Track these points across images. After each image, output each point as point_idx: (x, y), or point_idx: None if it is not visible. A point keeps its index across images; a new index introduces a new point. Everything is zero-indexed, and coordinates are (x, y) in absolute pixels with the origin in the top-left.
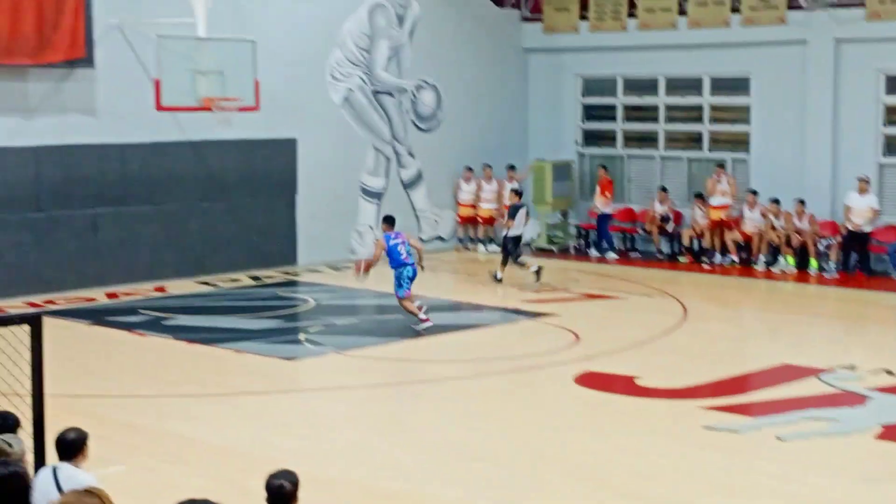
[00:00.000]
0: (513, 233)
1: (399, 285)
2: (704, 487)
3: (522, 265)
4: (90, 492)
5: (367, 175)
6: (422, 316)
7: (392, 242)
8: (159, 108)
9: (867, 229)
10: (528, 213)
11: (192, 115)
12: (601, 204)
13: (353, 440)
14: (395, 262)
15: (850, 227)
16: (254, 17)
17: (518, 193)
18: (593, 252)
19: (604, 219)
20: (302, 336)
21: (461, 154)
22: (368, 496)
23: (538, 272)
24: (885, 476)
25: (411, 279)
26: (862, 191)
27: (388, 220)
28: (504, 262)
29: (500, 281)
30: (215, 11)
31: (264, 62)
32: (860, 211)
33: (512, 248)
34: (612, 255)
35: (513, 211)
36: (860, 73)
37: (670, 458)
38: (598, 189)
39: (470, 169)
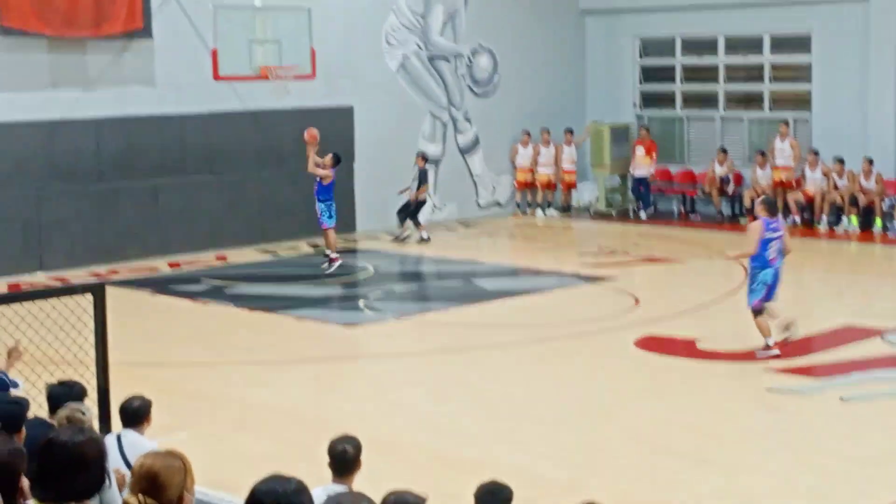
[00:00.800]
0: (423, 197)
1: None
2: (768, 449)
3: (417, 225)
4: (172, 453)
5: (424, 141)
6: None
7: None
8: (217, 77)
9: None
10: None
11: (249, 84)
12: (641, 166)
13: (416, 405)
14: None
15: None
16: None
17: (425, 158)
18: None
19: (641, 181)
20: (362, 302)
21: (518, 118)
22: (433, 460)
23: (424, 240)
24: None
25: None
26: None
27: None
28: (405, 221)
29: (403, 240)
30: None
31: (320, 30)
32: None
33: (413, 211)
34: (643, 215)
35: (423, 175)
36: None
37: (733, 421)
38: (636, 151)
39: (527, 133)
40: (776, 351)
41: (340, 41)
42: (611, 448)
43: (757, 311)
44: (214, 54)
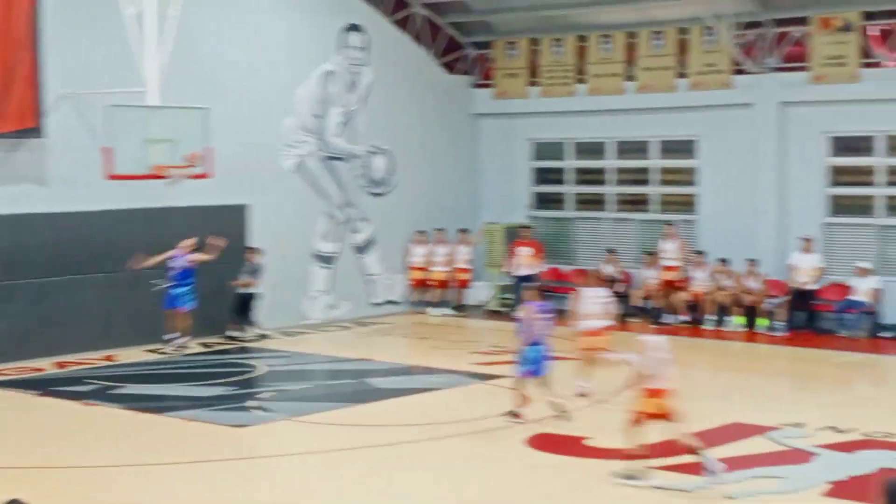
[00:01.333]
0: (252, 290)
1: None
2: None
3: (251, 325)
4: None
5: (319, 240)
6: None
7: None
8: (109, 176)
9: (812, 287)
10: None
11: (143, 182)
12: (525, 266)
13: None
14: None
15: (796, 286)
16: (207, 85)
17: (254, 250)
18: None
19: (526, 280)
20: (253, 403)
21: (413, 218)
22: None
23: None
24: None
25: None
26: (806, 250)
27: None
28: (240, 321)
29: (234, 339)
30: (168, 80)
31: (217, 129)
32: (805, 270)
33: (245, 308)
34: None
35: (255, 269)
36: (805, 135)
37: None
38: (517, 251)
39: (422, 232)
40: (521, 420)
41: (237, 140)
42: None
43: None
44: (107, 152)
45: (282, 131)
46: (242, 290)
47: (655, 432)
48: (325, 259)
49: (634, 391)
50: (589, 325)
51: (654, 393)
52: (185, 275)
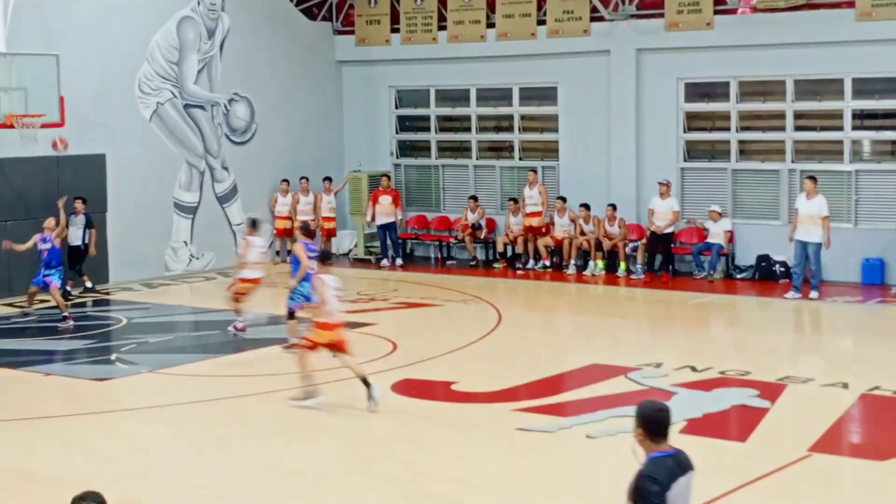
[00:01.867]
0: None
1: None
2: (519, 489)
3: (81, 274)
4: None
5: (180, 190)
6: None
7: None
8: None
9: (669, 231)
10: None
11: None
12: (386, 214)
13: (168, 461)
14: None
15: (653, 230)
16: (58, 31)
17: (84, 201)
18: (384, 262)
19: (388, 227)
20: (114, 356)
21: (277, 167)
22: None
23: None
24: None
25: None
26: (663, 194)
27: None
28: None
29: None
30: (17, 26)
31: (70, 77)
32: (662, 213)
33: (78, 259)
34: (399, 261)
35: (89, 219)
36: (661, 82)
37: (486, 462)
38: (379, 200)
39: (286, 181)
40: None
41: (92, 89)
42: (368, 496)
43: (292, 314)
44: None
45: (138, 79)
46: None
47: (520, 375)
48: (187, 209)
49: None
50: (248, 273)
51: (326, 326)
52: (54, 254)
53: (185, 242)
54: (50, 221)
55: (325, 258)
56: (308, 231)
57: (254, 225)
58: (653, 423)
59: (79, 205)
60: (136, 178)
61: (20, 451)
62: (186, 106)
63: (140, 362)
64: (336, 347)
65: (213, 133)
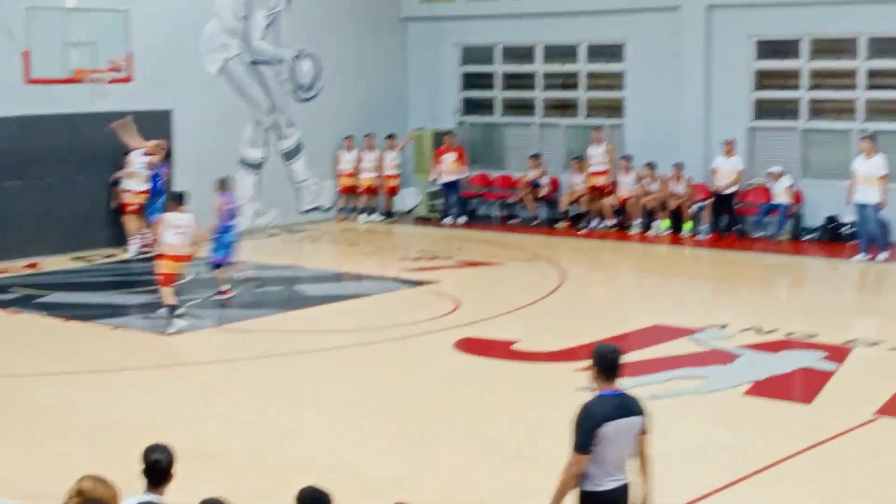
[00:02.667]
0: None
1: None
2: None
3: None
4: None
5: (246, 146)
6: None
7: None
8: (29, 80)
9: (733, 190)
10: None
11: (64, 87)
12: (450, 172)
13: (239, 411)
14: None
15: (716, 189)
16: None
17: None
18: (447, 220)
19: (452, 186)
20: (181, 310)
21: (341, 124)
22: (259, 466)
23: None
24: (752, 427)
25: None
26: (727, 153)
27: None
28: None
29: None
30: None
31: (138, 32)
32: (725, 173)
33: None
34: (463, 219)
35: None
36: (731, 39)
37: (548, 420)
38: (444, 158)
39: (350, 138)
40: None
41: (160, 44)
42: (434, 447)
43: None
44: (26, 56)
45: (205, 34)
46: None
47: (582, 335)
48: (252, 165)
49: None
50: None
51: (170, 258)
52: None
53: (250, 199)
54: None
55: (175, 198)
56: (225, 185)
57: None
58: (604, 363)
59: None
60: (202, 135)
61: (97, 402)
62: (253, 62)
63: (206, 317)
64: (176, 276)
65: (278, 89)
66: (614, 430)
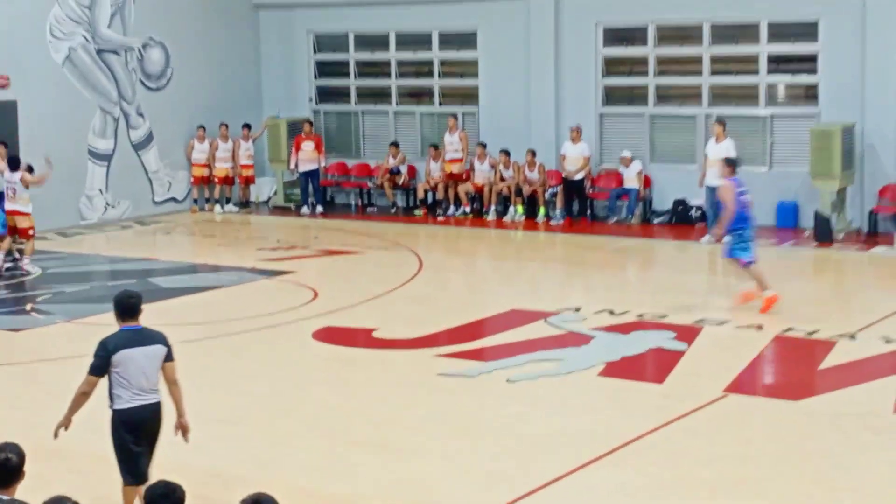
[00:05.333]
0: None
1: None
2: (440, 432)
3: None
4: None
5: (94, 137)
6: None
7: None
8: None
9: (580, 176)
10: None
11: None
12: (309, 161)
13: (88, 409)
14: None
15: (565, 175)
16: None
17: (5, 144)
18: (304, 209)
19: (310, 175)
20: (29, 306)
21: (193, 113)
22: (103, 464)
23: None
24: (607, 408)
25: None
26: (574, 139)
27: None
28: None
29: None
30: None
31: None
32: (573, 159)
33: None
34: (320, 209)
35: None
36: (579, 27)
37: (409, 407)
38: (302, 146)
39: (202, 128)
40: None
41: (2, 33)
42: (292, 441)
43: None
44: None
45: (49, 23)
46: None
47: (441, 321)
48: (102, 157)
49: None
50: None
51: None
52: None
53: (101, 190)
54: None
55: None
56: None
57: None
58: (120, 306)
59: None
60: (48, 126)
61: None
62: (99, 51)
63: (56, 312)
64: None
65: (127, 79)
66: (130, 357)
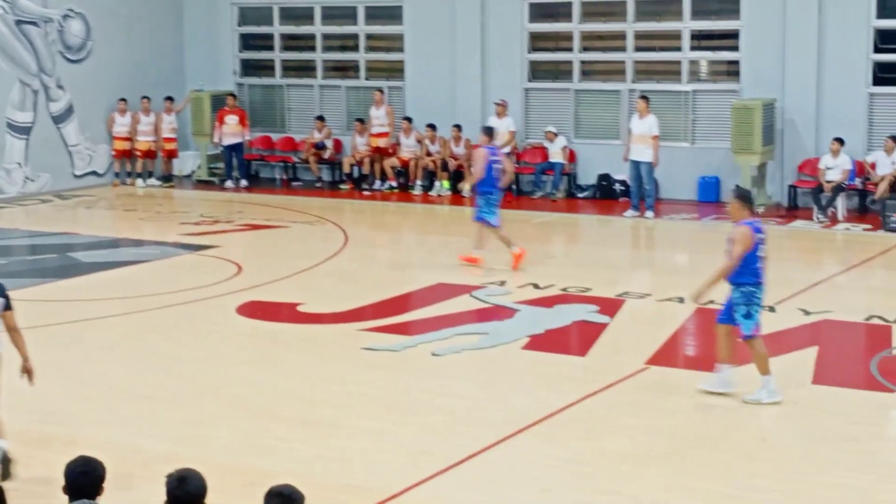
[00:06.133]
0: None
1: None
2: (369, 408)
3: None
4: None
5: (13, 109)
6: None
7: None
8: None
9: (507, 151)
10: None
11: None
12: (233, 134)
13: (10, 385)
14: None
15: None
16: None
17: None
18: (228, 183)
19: (234, 148)
20: None
21: (115, 85)
22: (24, 442)
23: None
24: (531, 381)
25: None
26: (499, 114)
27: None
28: None
29: None
30: None
31: None
32: (499, 133)
33: None
34: (244, 183)
35: None
36: (505, 1)
37: (332, 382)
38: (226, 120)
39: (124, 101)
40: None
41: None
42: (214, 419)
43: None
44: None
45: None
46: None
47: (366, 296)
48: (21, 129)
49: None
50: None
51: None
52: None
53: (19, 164)
54: None
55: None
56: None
57: None
58: None
59: None
60: None
61: None
62: (18, 22)
63: None
64: None
65: (46, 50)
66: None
